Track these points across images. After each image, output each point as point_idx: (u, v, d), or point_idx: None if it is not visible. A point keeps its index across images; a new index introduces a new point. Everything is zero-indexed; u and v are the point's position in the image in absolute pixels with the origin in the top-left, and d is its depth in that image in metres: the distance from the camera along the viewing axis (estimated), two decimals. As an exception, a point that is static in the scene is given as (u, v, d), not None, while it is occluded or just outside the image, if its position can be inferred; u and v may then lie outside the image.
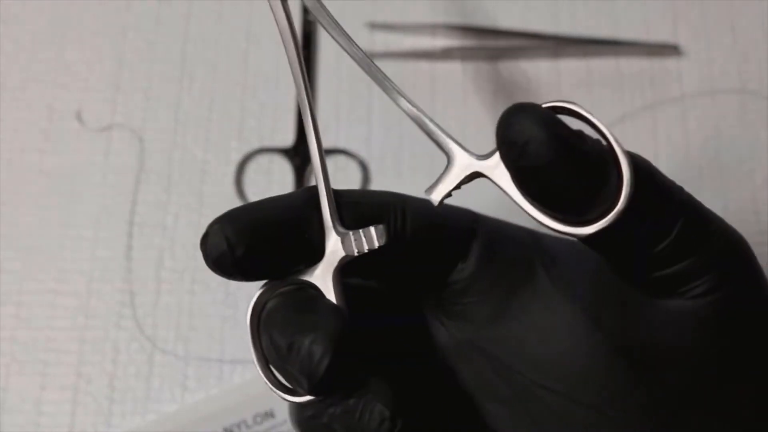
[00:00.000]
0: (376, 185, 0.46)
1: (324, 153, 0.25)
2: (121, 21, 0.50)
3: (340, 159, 0.47)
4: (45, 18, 0.51)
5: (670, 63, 0.49)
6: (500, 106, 0.48)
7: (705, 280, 0.23)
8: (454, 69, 0.49)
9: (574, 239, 0.23)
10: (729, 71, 0.48)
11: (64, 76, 0.49)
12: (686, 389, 0.24)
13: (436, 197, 0.24)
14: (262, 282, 0.25)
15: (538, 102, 0.22)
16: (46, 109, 0.48)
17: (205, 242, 0.23)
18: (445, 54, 0.49)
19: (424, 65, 0.49)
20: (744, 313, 0.24)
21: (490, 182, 0.23)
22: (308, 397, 0.23)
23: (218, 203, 0.46)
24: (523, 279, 0.26)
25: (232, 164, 0.47)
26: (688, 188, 0.24)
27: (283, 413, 0.41)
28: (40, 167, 0.47)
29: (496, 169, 0.23)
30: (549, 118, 0.21)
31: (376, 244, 0.24)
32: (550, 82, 0.48)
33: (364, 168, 0.47)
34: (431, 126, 0.24)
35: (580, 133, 0.22)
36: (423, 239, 0.25)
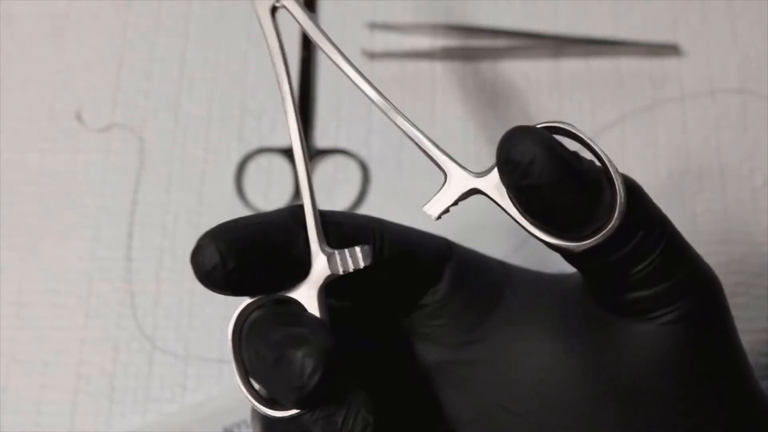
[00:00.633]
0: (376, 185, 0.46)
1: (311, 172, 0.26)
2: (121, 21, 0.50)
3: (340, 159, 0.47)
4: (45, 18, 0.51)
5: (670, 63, 0.49)
6: (500, 106, 0.48)
7: (677, 307, 0.24)
8: (454, 69, 0.49)
9: (546, 272, 0.24)
10: (729, 71, 0.48)
11: (64, 76, 0.49)
12: (653, 414, 0.24)
13: (434, 213, 0.24)
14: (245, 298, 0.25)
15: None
16: (46, 109, 0.48)
17: (198, 255, 0.24)
18: (445, 54, 0.49)
19: (424, 65, 0.49)
20: (709, 347, 0.24)
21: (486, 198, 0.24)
22: (294, 411, 0.23)
23: (218, 203, 0.46)
24: (493, 304, 0.27)
25: (232, 164, 0.47)
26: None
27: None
28: (40, 167, 0.47)
29: (494, 186, 0.24)
30: (549, 139, 0.22)
31: (362, 264, 0.24)
32: (550, 82, 0.48)
33: (364, 168, 0.46)
34: (428, 143, 0.25)
35: (576, 154, 0.23)
36: (399, 262, 0.26)
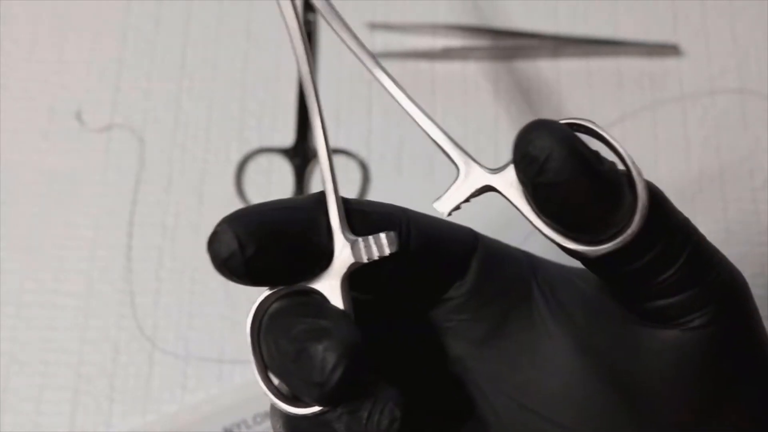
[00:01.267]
0: (376, 185, 0.46)
1: (333, 158, 0.25)
2: (121, 21, 0.50)
3: (340, 159, 0.47)
4: (45, 18, 0.51)
5: (670, 63, 0.49)
6: (500, 106, 0.48)
7: (704, 312, 0.23)
8: (454, 69, 0.49)
9: (571, 266, 0.23)
10: (729, 71, 0.48)
11: (64, 76, 0.49)
12: (677, 420, 0.24)
13: (444, 209, 0.23)
14: (264, 288, 0.24)
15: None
16: (46, 109, 0.48)
17: (215, 241, 0.22)
18: (445, 54, 0.49)
19: (424, 65, 0.49)
20: (736, 349, 0.24)
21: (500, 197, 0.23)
22: (315, 409, 0.22)
23: (218, 203, 0.46)
24: (519, 300, 0.26)
25: (232, 164, 0.47)
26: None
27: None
28: (40, 167, 0.47)
29: (509, 183, 0.23)
30: (569, 135, 0.21)
31: (387, 251, 0.23)
32: (550, 82, 0.48)
33: (364, 168, 0.46)
34: (441, 135, 0.24)
35: (597, 154, 0.22)
36: (425, 253, 0.25)
